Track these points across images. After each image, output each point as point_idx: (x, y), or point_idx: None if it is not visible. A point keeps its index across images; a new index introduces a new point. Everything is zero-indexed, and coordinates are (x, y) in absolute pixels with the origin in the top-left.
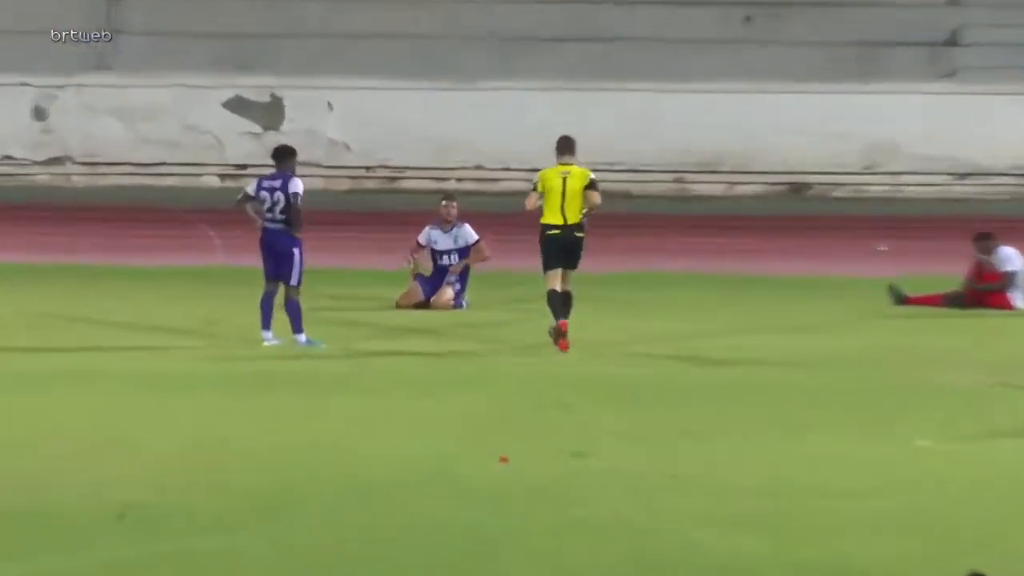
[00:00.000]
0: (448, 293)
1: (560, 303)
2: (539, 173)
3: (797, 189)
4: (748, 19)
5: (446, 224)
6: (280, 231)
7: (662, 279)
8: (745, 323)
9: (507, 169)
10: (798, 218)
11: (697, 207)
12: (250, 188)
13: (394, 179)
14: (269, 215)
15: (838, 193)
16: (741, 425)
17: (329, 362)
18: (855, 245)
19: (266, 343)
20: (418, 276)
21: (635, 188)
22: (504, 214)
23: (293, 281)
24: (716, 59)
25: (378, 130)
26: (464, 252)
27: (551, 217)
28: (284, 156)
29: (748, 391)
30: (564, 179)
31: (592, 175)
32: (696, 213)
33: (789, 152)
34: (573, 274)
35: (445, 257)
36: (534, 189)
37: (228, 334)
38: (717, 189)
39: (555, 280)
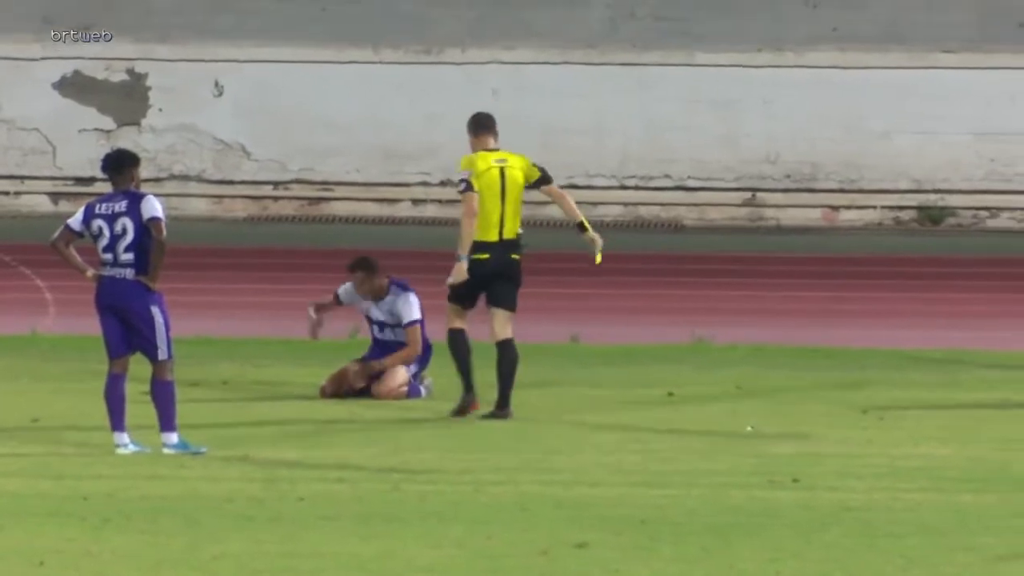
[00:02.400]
0: (398, 376)
1: (466, 352)
2: (465, 160)
3: (932, 216)
4: None
5: (372, 295)
6: (127, 281)
7: (723, 354)
8: (847, 416)
9: None
10: (934, 261)
11: (780, 242)
12: (74, 220)
13: (319, 200)
14: (109, 256)
15: (996, 223)
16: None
17: (220, 482)
18: None
19: (121, 450)
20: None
21: (688, 214)
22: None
23: (162, 354)
24: (811, 18)
25: (294, 125)
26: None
27: (482, 230)
28: (121, 166)
29: (856, 522)
30: (502, 170)
31: (539, 166)
32: (778, 251)
33: (919, 159)
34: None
35: (387, 331)
36: (468, 187)
37: (64, 436)
38: (811, 216)
39: (459, 317)
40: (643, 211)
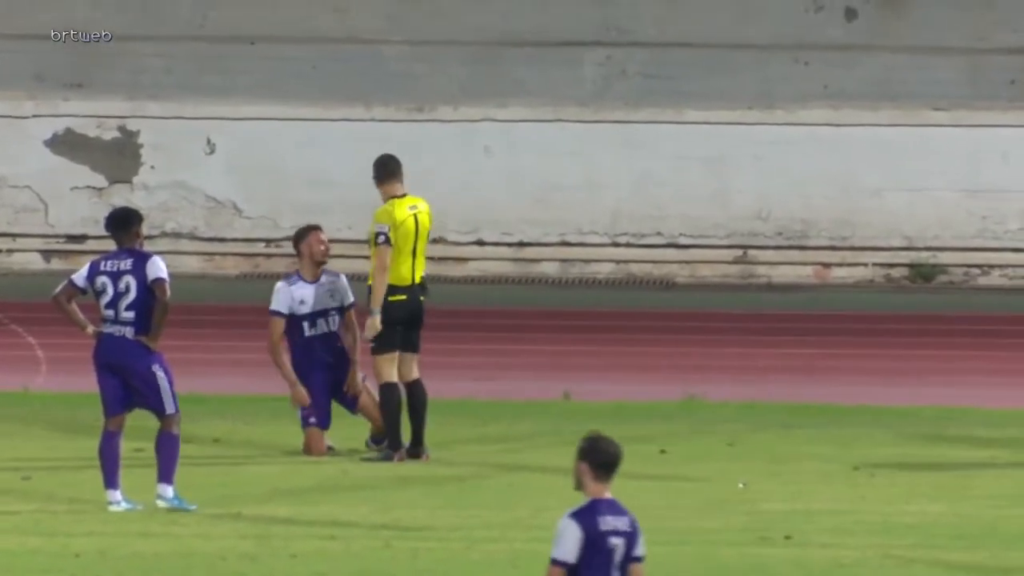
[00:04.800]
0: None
1: (397, 408)
2: (384, 211)
3: (924, 273)
4: (852, 13)
5: (314, 269)
6: (127, 340)
7: (715, 411)
8: (839, 473)
9: (481, 243)
10: (925, 318)
11: (772, 299)
12: (78, 276)
13: None
14: (110, 313)
15: (988, 280)
16: None
17: (212, 539)
18: (1020, 359)
19: (114, 507)
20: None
21: (680, 271)
22: (478, 311)
23: (169, 408)
24: (802, 75)
25: (285, 182)
26: (342, 314)
27: (400, 273)
28: (128, 224)
29: None
30: (415, 216)
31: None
32: (770, 308)
33: (910, 217)
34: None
35: (320, 322)
36: (387, 241)
37: (55, 493)
38: (802, 273)
39: (394, 367)
40: (635, 268)
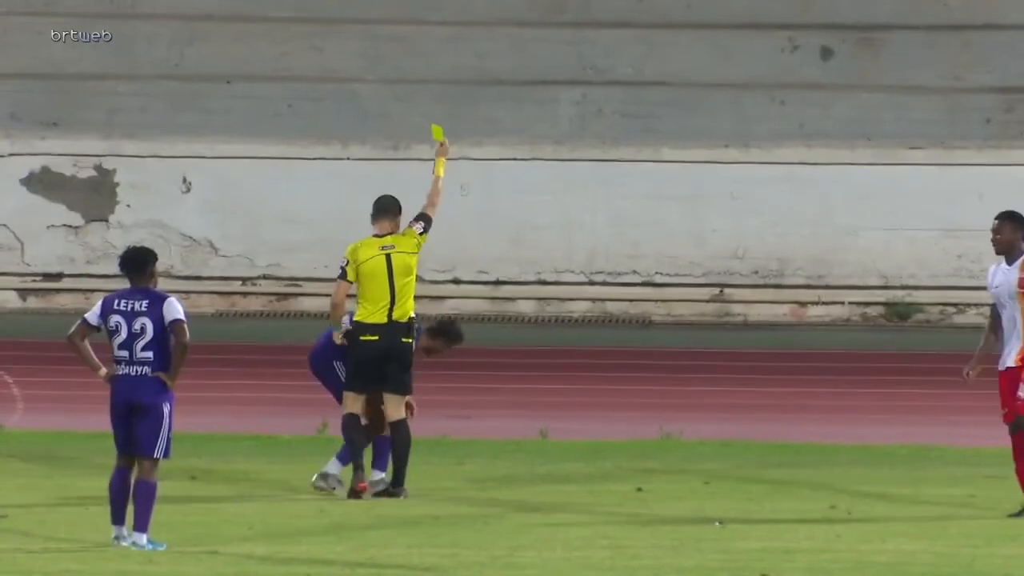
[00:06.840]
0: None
1: (363, 436)
2: (349, 248)
3: (900, 312)
4: (827, 53)
5: None
6: (146, 377)
7: (691, 449)
8: (815, 511)
9: (457, 282)
10: (901, 356)
11: (748, 338)
12: (91, 314)
13: (286, 296)
14: (124, 353)
15: (963, 319)
16: None
17: None
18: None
19: (121, 542)
20: None
21: (656, 310)
22: (454, 349)
23: (157, 451)
24: (778, 115)
25: (261, 221)
26: None
27: (370, 313)
28: (144, 265)
29: None
30: (388, 256)
31: (419, 230)
32: (746, 347)
33: (886, 255)
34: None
35: None
36: (342, 275)
37: (32, 532)
38: (778, 312)
39: (356, 403)
40: (611, 307)
